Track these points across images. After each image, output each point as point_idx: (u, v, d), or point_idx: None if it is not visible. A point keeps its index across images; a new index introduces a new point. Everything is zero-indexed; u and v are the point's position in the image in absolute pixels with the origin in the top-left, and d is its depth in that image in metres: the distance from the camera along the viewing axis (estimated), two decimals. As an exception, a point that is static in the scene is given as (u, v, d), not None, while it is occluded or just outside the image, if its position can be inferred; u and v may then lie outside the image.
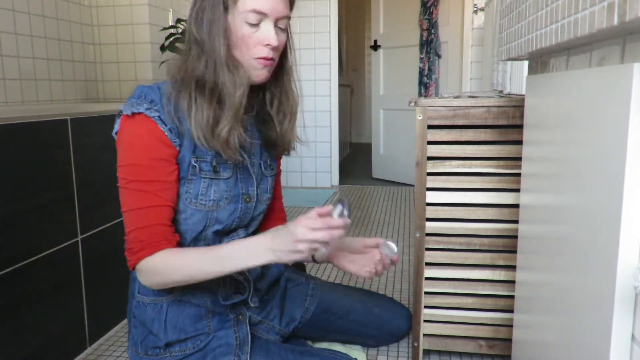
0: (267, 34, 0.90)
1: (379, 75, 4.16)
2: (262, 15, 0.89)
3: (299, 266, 1.49)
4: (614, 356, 0.55)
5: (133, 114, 0.89)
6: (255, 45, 0.90)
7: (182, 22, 2.46)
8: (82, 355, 1.49)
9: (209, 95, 0.89)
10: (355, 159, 5.51)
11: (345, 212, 0.87)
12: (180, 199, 0.93)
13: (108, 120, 1.59)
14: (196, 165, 0.92)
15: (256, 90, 1.03)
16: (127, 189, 0.89)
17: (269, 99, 1.02)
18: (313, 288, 1.22)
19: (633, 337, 0.54)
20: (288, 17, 0.94)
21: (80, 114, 1.48)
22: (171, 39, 2.46)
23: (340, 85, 4.26)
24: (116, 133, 0.93)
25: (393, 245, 1.12)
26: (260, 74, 0.94)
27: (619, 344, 0.54)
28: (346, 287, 1.31)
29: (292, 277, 1.23)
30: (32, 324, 1.30)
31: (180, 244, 0.94)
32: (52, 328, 1.38)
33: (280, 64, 1.00)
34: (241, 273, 1.03)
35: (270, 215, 1.16)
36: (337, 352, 1.08)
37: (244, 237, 1.03)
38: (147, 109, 0.88)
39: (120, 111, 0.90)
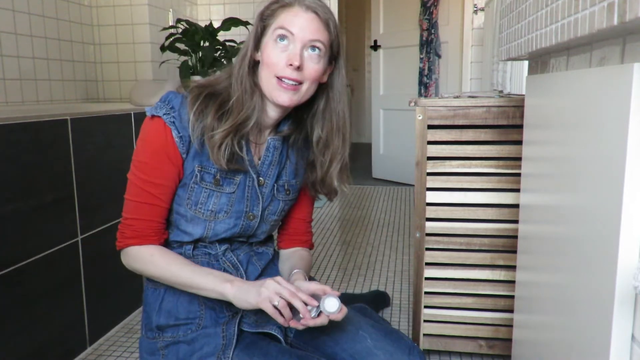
0: (291, 54, 0.92)
1: (379, 75, 4.16)
2: (290, 33, 0.92)
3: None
4: (614, 356, 0.55)
5: (153, 116, 0.96)
6: (279, 64, 0.92)
7: (182, 22, 2.46)
8: (82, 355, 1.49)
9: (217, 107, 0.94)
10: (355, 159, 5.52)
11: (329, 309, 0.88)
12: (183, 203, 0.99)
13: (108, 120, 1.59)
14: (198, 174, 0.97)
15: (294, 116, 1.04)
16: (132, 181, 0.97)
17: (315, 139, 1.03)
18: None
19: (633, 337, 0.54)
20: (322, 43, 0.94)
21: (80, 114, 1.48)
22: (171, 39, 2.46)
23: (340, 85, 4.26)
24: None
25: (332, 302, 0.88)
26: (279, 94, 0.94)
27: (619, 344, 0.54)
28: (350, 308, 1.19)
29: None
30: (32, 324, 1.30)
31: (184, 241, 1.00)
32: (52, 328, 1.38)
33: (326, 99, 1.01)
34: (236, 268, 1.04)
35: (294, 236, 1.16)
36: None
37: (240, 247, 1.06)
38: (164, 114, 0.94)
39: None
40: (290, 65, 0.91)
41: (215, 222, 0.99)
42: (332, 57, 0.99)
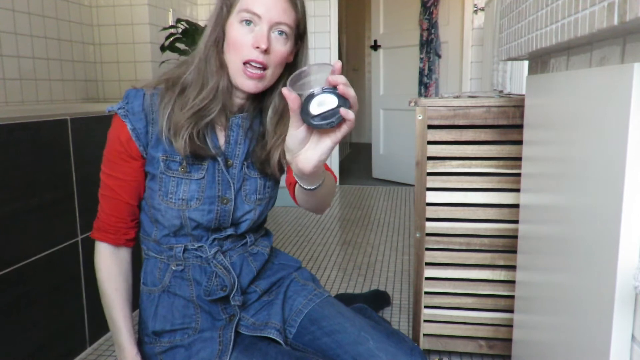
0: (257, 35, 0.89)
1: (379, 75, 4.16)
2: (256, 16, 0.89)
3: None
4: (614, 356, 0.55)
5: (110, 112, 1.00)
6: (245, 46, 0.90)
7: (182, 22, 2.46)
8: (82, 355, 1.49)
9: (178, 92, 0.94)
10: (355, 159, 5.52)
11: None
12: (156, 195, 0.99)
13: (108, 120, 1.58)
14: (163, 163, 0.97)
15: (259, 97, 1.02)
16: (100, 176, 1.01)
17: (272, 110, 1.01)
18: (315, 294, 1.17)
19: (633, 337, 0.54)
20: (289, 26, 0.92)
21: (80, 114, 1.48)
22: (171, 39, 2.46)
23: (340, 85, 4.25)
24: None
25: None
26: (243, 82, 0.93)
27: (619, 344, 0.54)
28: (350, 309, 1.14)
29: (298, 279, 1.19)
30: (32, 324, 1.30)
31: (166, 235, 1.00)
32: (52, 328, 1.38)
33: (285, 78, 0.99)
34: (228, 270, 1.02)
35: None
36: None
37: (232, 235, 1.03)
38: (119, 109, 0.97)
39: None
40: (257, 47, 0.89)
41: (189, 210, 0.97)
42: (299, 36, 0.96)
